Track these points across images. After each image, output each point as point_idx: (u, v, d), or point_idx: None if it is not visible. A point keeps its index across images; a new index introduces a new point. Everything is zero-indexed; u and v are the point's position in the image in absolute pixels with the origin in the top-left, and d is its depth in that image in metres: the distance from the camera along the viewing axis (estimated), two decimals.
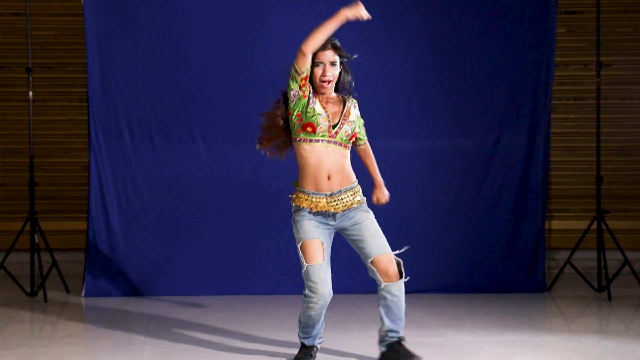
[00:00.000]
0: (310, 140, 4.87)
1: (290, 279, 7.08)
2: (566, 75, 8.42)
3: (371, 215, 5.02)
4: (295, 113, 4.89)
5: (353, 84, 5.05)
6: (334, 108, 4.94)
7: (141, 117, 7.30)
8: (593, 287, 7.43)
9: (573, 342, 5.56)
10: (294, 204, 4.96)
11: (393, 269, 4.96)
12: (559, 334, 5.88)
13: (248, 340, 5.66)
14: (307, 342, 5.08)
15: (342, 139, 4.89)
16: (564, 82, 8.39)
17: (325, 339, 5.22)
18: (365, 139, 5.14)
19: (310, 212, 4.90)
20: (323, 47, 4.88)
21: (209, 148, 7.34)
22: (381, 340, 5.05)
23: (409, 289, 6.97)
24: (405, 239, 7.20)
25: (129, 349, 5.42)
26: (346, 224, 4.97)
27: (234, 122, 7.27)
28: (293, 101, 4.89)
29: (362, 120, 5.06)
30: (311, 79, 4.90)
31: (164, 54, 7.30)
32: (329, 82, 4.91)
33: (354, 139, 4.97)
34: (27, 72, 7.27)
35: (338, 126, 4.88)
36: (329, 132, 4.87)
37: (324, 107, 4.88)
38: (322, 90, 4.91)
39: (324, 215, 4.92)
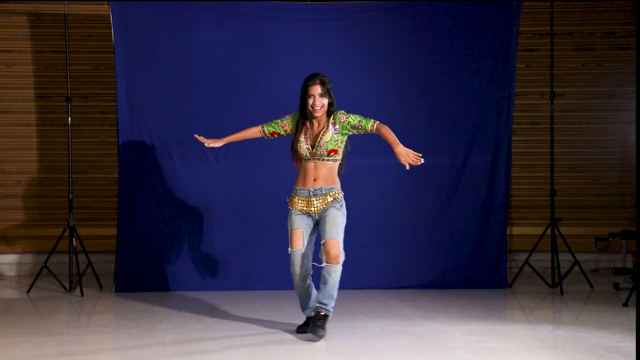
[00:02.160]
0: (300, 160, 5.41)
1: (289, 277, 7.08)
2: (525, 104, 8.44)
3: (340, 212, 5.35)
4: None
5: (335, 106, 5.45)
6: (317, 131, 5.39)
7: (162, 138, 7.31)
8: (547, 284, 7.45)
9: (531, 331, 5.59)
10: (288, 202, 5.47)
11: (336, 252, 5.25)
12: (520, 324, 5.89)
13: (254, 328, 5.67)
14: (306, 314, 5.52)
15: (321, 155, 5.33)
16: (523, 109, 8.41)
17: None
18: (369, 123, 5.37)
19: (297, 210, 5.38)
20: (312, 83, 5.36)
21: (220, 164, 7.34)
22: (314, 307, 5.39)
23: (393, 285, 7.08)
24: (390, 243, 7.36)
25: (153, 336, 5.43)
26: (321, 216, 5.36)
27: (241, 142, 7.25)
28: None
29: (355, 120, 5.37)
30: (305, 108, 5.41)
31: (181, 85, 7.31)
32: (317, 110, 5.36)
33: (336, 152, 5.37)
34: (67, 101, 7.29)
35: (315, 147, 5.33)
36: (309, 151, 5.33)
37: (306, 134, 5.38)
38: (315, 115, 5.36)
39: (307, 213, 5.37)
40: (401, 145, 5.30)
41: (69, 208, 7.25)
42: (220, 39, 7.31)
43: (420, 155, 5.31)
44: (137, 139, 7.27)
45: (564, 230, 7.65)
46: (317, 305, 5.33)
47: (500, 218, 7.47)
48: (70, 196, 7.25)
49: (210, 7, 7.32)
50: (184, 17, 7.29)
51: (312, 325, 5.29)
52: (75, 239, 7.16)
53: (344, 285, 7.08)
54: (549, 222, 7.49)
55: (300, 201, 5.38)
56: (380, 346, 5.14)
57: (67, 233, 7.22)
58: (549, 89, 7.56)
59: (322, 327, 5.26)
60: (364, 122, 5.36)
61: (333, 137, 5.33)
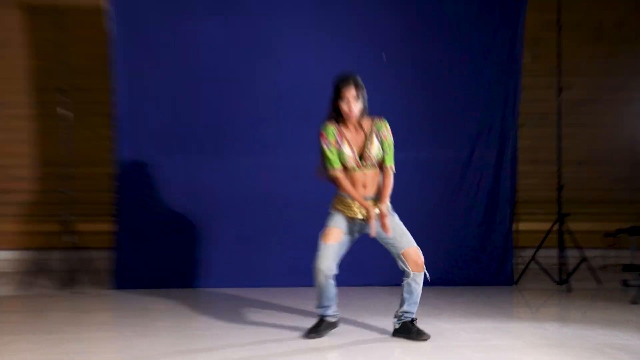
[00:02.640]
0: (347, 171, 5.21)
1: (294, 274, 7.12)
2: (531, 96, 8.43)
3: (396, 217, 5.30)
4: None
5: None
6: (360, 137, 5.23)
7: (162, 133, 7.31)
8: (555, 281, 7.44)
9: (538, 329, 5.58)
10: (332, 204, 5.29)
11: (421, 260, 5.23)
12: (526, 322, 5.88)
13: (255, 326, 5.67)
14: (319, 312, 5.34)
15: (370, 167, 5.22)
16: (529, 101, 8.38)
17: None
18: (389, 164, 5.29)
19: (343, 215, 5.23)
20: (347, 85, 5.16)
21: (221, 160, 7.35)
22: (398, 318, 5.31)
23: (397, 282, 7.04)
24: None
25: (154, 333, 5.44)
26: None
27: (242, 137, 7.29)
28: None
29: (388, 146, 5.27)
30: (339, 110, 5.21)
31: (181, 79, 7.32)
32: (352, 112, 5.17)
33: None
34: (60, 92, 7.28)
35: (363, 158, 5.19)
36: (357, 164, 5.20)
37: (349, 144, 5.19)
38: (350, 118, 5.18)
39: (352, 220, 5.24)
40: (385, 206, 5.20)
41: (65, 203, 7.24)
42: (220, 32, 7.32)
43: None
44: (136, 134, 7.26)
45: (572, 225, 7.64)
46: (404, 314, 5.26)
47: (506, 213, 7.47)
48: (67, 191, 7.24)
49: None
50: (183, 8, 7.30)
51: (413, 335, 5.20)
52: (73, 235, 7.15)
53: (347, 282, 7.10)
54: (556, 217, 7.48)
55: (348, 206, 5.22)
56: (384, 344, 5.15)
57: (64, 229, 7.22)
58: (557, 81, 7.54)
59: (422, 331, 5.24)
60: (387, 156, 5.26)
61: (379, 148, 5.23)
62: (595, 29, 8.49)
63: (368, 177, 5.23)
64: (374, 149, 5.21)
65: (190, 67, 7.33)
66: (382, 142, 5.24)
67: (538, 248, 7.55)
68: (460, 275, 7.41)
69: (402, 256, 5.20)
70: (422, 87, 7.47)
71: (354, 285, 7.04)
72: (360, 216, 5.21)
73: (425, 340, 5.19)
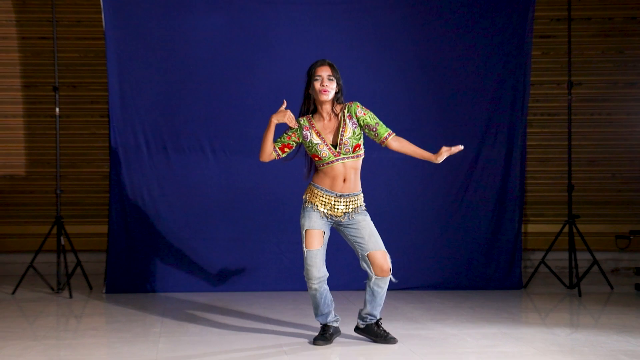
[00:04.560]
0: (324, 165, 5.14)
1: (291, 277, 7.11)
2: (541, 94, 8.42)
3: (368, 217, 5.24)
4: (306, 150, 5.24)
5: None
6: (332, 125, 5.16)
7: (156, 130, 7.29)
8: (565, 285, 7.43)
9: (548, 334, 5.56)
10: (306, 197, 5.22)
11: (388, 266, 5.16)
12: (535, 327, 5.85)
13: (252, 331, 5.65)
14: (320, 320, 5.33)
15: (347, 153, 5.12)
16: (538, 99, 8.39)
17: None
18: (387, 132, 5.24)
19: (319, 211, 5.16)
20: (321, 64, 5.15)
21: (217, 158, 7.33)
22: (361, 319, 5.35)
23: (401, 286, 7.04)
24: (397, 241, 7.33)
25: (146, 340, 5.41)
26: (345, 222, 5.20)
27: (238, 134, 7.27)
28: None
29: (372, 120, 5.21)
30: (311, 93, 5.19)
31: (175, 74, 7.30)
32: (327, 91, 5.11)
33: (360, 147, 5.16)
34: (54, 90, 7.26)
35: (338, 147, 5.11)
36: (333, 152, 5.10)
37: (319, 134, 5.13)
38: (323, 98, 5.11)
39: (328, 216, 5.19)
40: (440, 156, 5.26)
41: (56, 204, 7.22)
42: (216, 24, 7.29)
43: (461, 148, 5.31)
44: (129, 131, 7.25)
45: (583, 227, 7.63)
46: (368, 317, 5.30)
47: (514, 215, 7.45)
48: (58, 191, 7.22)
49: None
50: (176, 2, 7.26)
51: (380, 337, 5.26)
52: (63, 237, 7.15)
53: (348, 286, 7.14)
54: (566, 219, 7.46)
55: (324, 201, 5.17)
56: (387, 350, 5.12)
57: (54, 230, 7.20)
58: (567, 78, 7.52)
59: (388, 333, 5.30)
60: (380, 127, 5.20)
61: (355, 132, 5.14)
62: (607, 24, 8.45)
63: (348, 169, 5.14)
64: (348, 133, 5.12)
65: (184, 64, 7.31)
66: (360, 120, 5.16)
67: (547, 251, 7.53)
68: (467, 279, 7.39)
69: (366, 258, 5.16)
70: (428, 85, 7.47)
71: (357, 290, 7.00)
72: (340, 213, 5.17)
73: (393, 344, 5.24)
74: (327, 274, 5.20)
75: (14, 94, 8.24)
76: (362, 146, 5.18)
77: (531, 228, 8.40)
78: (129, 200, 7.24)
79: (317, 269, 5.12)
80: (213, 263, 7.29)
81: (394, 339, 5.29)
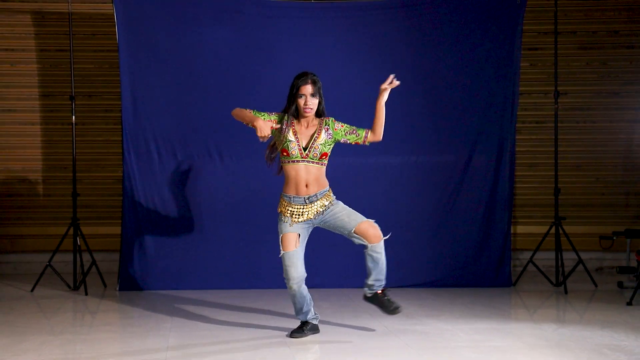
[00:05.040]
0: (288, 162, 5.20)
1: None
2: (529, 102, 8.43)
3: (341, 203, 5.29)
4: (277, 142, 5.28)
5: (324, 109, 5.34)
6: (309, 132, 5.24)
7: (166, 137, 7.30)
8: (552, 283, 7.44)
9: (536, 330, 5.57)
10: (280, 210, 5.32)
11: (378, 231, 5.21)
12: (524, 323, 5.87)
13: (259, 327, 5.66)
14: (300, 318, 5.38)
15: (313, 158, 5.18)
16: (527, 108, 8.40)
17: (321, 329, 5.31)
18: (364, 129, 5.32)
19: (291, 220, 5.24)
20: (304, 82, 5.19)
21: (224, 163, 7.34)
22: (369, 287, 5.35)
23: (398, 284, 7.06)
24: (392, 242, 7.29)
25: (157, 334, 5.43)
26: (321, 219, 5.26)
27: (244, 140, 7.25)
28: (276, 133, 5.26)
29: (349, 127, 5.30)
30: (296, 107, 5.24)
31: (184, 84, 7.31)
32: (310, 109, 5.19)
33: (326, 156, 5.24)
34: (71, 99, 7.29)
35: (308, 149, 5.18)
36: (301, 153, 5.15)
37: (295, 134, 5.19)
38: (306, 115, 5.20)
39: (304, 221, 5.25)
40: (382, 97, 5.35)
41: (73, 206, 7.24)
42: (224, 37, 7.30)
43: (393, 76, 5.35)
44: (141, 138, 7.26)
45: (568, 229, 7.64)
46: (376, 283, 5.29)
47: (504, 217, 7.45)
48: (75, 195, 7.23)
49: (214, 5, 7.32)
50: (187, 15, 7.29)
51: (385, 306, 5.30)
52: (79, 238, 7.17)
53: (346, 284, 7.14)
54: (553, 220, 7.47)
55: (294, 211, 5.24)
56: (384, 345, 5.13)
57: (71, 231, 7.22)
58: (553, 88, 7.54)
59: (393, 301, 5.32)
60: (358, 128, 5.30)
61: (327, 141, 5.22)
62: (591, 37, 8.47)
63: (311, 175, 5.19)
64: (320, 140, 5.19)
65: (193, 75, 7.32)
66: (338, 132, 5.25)
67: (535, 251, 7.53)
68: (460, 277, 7.39)
69: (355, 233, 5.19)
70: (421, 93, 7.46)
71: (354, 287, 7.00)
72: (312, 215, 5.21)
73: (397, 313, 5.32)
74: (306, 274, 5.22)
75: (32, 103, 8.25)
76: (327, 157, 5.25)
77: (520, 229, 8.40)
78: (141, 203, 7.26)
79: (295, 269, 5.16)
80: (220, 262, 7.29)
81: (398, 308, 5.30)
